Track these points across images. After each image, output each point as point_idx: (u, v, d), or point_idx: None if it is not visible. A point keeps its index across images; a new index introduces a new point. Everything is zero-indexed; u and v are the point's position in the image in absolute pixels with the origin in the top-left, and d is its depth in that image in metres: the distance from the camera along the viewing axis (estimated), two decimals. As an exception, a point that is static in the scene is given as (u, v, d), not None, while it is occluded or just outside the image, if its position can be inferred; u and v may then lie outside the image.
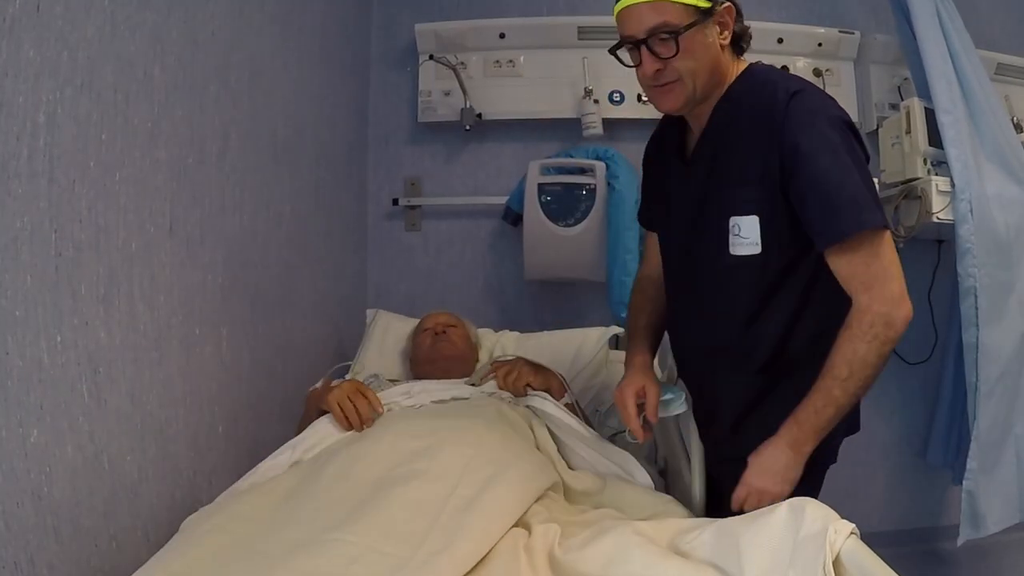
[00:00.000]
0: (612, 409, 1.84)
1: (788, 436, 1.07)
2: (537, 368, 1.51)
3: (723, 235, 1.12)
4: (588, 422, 1.51)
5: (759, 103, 1.08)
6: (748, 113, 1.10)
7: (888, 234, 1.04)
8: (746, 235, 1.09)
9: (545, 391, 1.48)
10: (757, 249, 1.09)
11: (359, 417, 1.30)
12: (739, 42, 1.15)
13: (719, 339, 1.19)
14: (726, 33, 1.10)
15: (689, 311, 1.26)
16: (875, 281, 1.02)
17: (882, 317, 1.00)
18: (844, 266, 1.04)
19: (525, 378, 1.46)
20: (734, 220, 1.10)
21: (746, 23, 1.17)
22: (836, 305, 1.07)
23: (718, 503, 1.28)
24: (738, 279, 1.13)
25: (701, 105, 1.15)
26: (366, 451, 1.16)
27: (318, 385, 1.51)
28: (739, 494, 1.11)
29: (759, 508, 1.01)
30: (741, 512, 1.06)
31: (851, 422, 1.21)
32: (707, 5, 1.06)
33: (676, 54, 1.06)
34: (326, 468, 1.13)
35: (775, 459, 1.07)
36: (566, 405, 1.47)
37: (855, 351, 1.01)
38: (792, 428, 1.06)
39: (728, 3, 1.09)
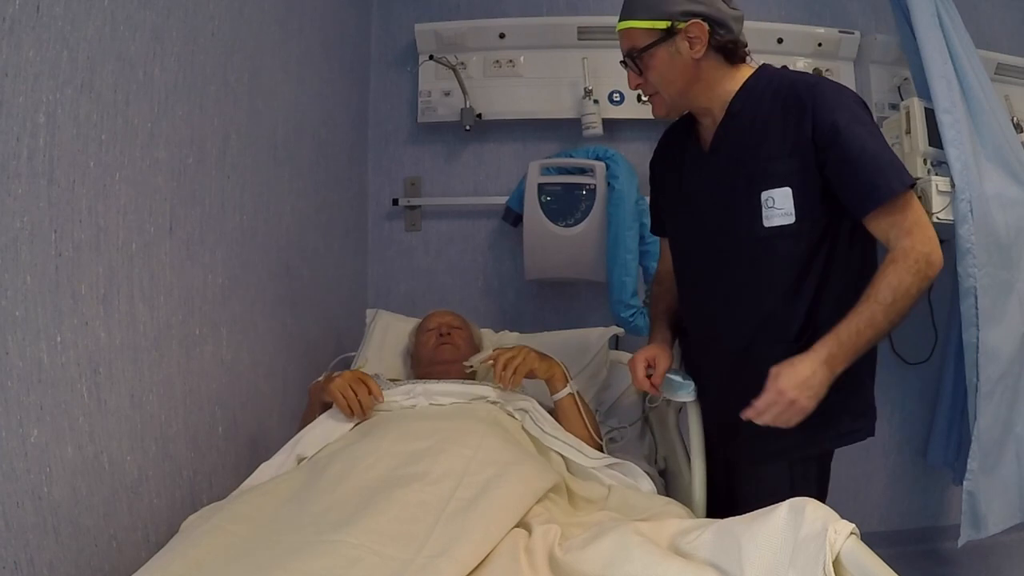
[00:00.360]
0: (612, 409, 1.85)
1: (825, 351, 1.09)
2: (541, 356, 1.50)
3: (755, 210, 1.19)
4: (590, 412, 1.51)
5: (781, 89, 1.19)
6: (770, 99, 1.19)
7: (915, 193, 1.15)
8: (780, 206, 1.17)
9: (548, 379, 1.48)
10: (791, 219, 1.16)
11: (360, 405, 1.32)
12: (728, 51, 1.22)
13: (760, 312, 1.22)
14: (698, 47, 1.19)
15: (721, 293, 1.28)
16: (915, 227, 1.12)
17: (925, 256, 1.10)
18: (886, 222, 1.13)
19: (530, 364, 1.44)
20: (767, 194, 1.18)
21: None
22: (855, 276, 1.17)
23: (727, 498, 1.30)
24: (774, 251, 1.19)
25: (707, 105, 1.25)
26: (366, 452, 1.16)
27: (320, 379, 1.51)
28: (761, 402, 1.09)
29: (780, 418, 1.08)
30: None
31: (868, 425, 1.25)
32: (665, 26, 1.17)
33: (642, 72, 1.23)
34: (327, 469, 1.13)
35: (808, 370, 1.08)
36: (568, 395, 1.47)
37: (900, 280, 1.09)
38: (831, 344, 1.09)
39: (695, 20, 1.17)
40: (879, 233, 1.15)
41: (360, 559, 0.88)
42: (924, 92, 1.91)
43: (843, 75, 2.28)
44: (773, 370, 1.10)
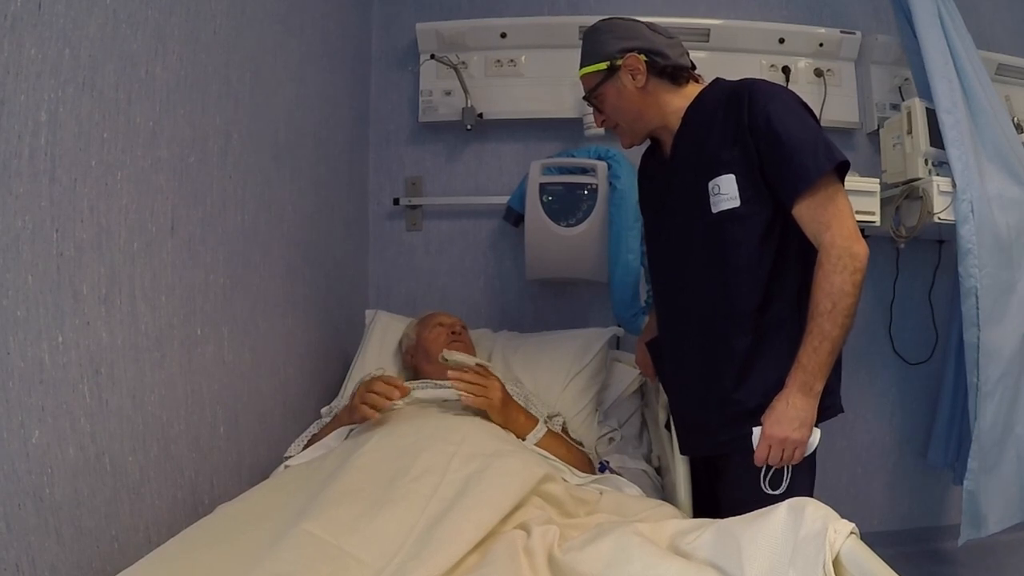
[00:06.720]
0: (612, 409, 1.85)
1: (795, 382, 1.16)
2: (507, 402, 1.43)
3: (705, 198, 1.25)
4: (571, 446, 1.50)
5: (723, 92, 1.26)
6: (713, 102, 1.26)
7: (842, 185, 1.18)
8: (725, 191, 1.22)
9: (502, 426, 1.39)
10: (736, 203, 1.21)
11: (380, 401, 1.34)
12: (671, 74, 1.30)
13: (718, 293, 1.25)
14: (639, 77, 1.29)
15: (683, 279, 1.33)
16: (833, 220, 1.15)
17: (846, 250, 1.13)
18: (807, 212, 1.17)
19: (485, 404, 1.38)
20: (713, 182, 1.24)
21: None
22: (809, 256, 1.19)
23: (711, 497, 1.32)
24: (725, 234, 1.23)
25: (663, 123, 1.32)
26: (352, 451, 1.16)
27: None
28: (760, 452, 1.18)
29: (785, 457, 1.15)
30: (767, 469, 1.19)
31: (834, 402, 1.25)
32: (606, 66, 1.30)
33: (600, 109, 1.36)
34: (316, 473, 1.14)
35: (789, 406, 1.16)
36: (541, 438, 1.42)
37: (832, 284, 1.13)
38: (797, 374, 1.16)
39: (632, 54, 1.28)
40: (805, 228, 1.18)
41: (334, 559, 0.87)
42: (925, 92, 1.91)
43: (844, 75, 2.29)
44: (762, 418, 1.18)
